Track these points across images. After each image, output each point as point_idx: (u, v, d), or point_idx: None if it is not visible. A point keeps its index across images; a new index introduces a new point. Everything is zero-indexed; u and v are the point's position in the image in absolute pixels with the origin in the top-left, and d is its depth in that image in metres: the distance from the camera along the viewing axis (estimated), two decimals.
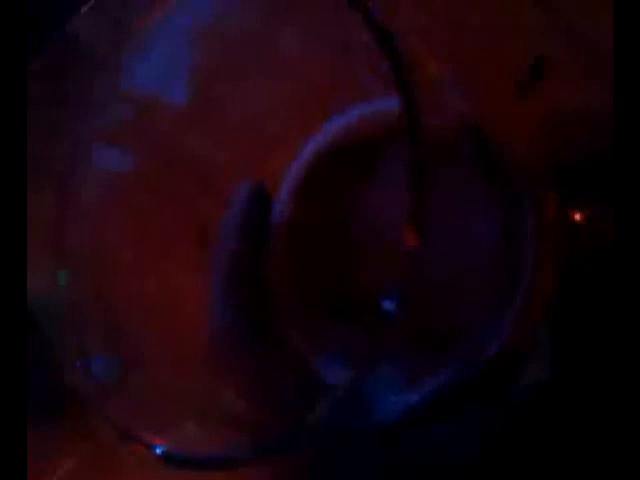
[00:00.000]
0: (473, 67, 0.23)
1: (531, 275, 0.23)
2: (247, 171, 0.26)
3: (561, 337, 0.24)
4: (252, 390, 0.24)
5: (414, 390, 0.22)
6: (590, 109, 0.23)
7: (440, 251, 0.21)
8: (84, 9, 0.35)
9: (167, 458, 0.19)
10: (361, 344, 0.19)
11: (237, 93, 0.25)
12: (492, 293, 0.22)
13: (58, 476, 0.29)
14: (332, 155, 0.26)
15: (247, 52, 0.25)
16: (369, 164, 0.25)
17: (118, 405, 0.21)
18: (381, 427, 0.22)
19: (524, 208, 0.23)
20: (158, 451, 0.19)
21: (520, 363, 0.24)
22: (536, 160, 0.24)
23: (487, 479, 0.25)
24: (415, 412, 0.22)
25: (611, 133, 0.19)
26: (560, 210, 0.24)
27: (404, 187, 0.19)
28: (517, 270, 0.23)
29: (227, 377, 0.24)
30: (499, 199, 0.22)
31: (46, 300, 0.28)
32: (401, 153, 0.24)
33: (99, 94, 0.25)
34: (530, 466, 0.24)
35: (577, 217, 0.24)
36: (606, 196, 0.19)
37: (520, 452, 0.25)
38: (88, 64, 0.32)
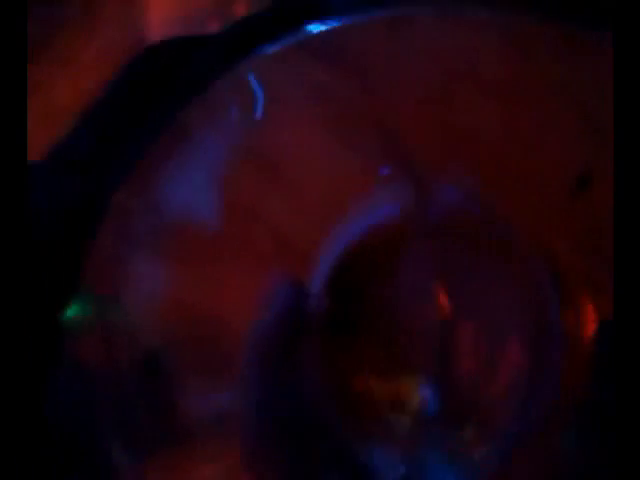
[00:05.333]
0: (520, 176, 0.25)
1: (562, 351, 0.24)
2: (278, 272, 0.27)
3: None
4: None
5: (464, 466, 0.23)
6: None
7: (473, 332, 0.21)
8: None
9: None
10: (408, 435, 0.20)
11: (264, 203, 0.27)
12: (526, 365, 0.23)
13: None
14: (357, 254, 0.27)
15: (271, 162, 0.26)
16: (392, 260, 0.26)
17: None
18: None
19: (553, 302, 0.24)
20: None
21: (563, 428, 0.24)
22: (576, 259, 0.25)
23: None
24: None
25: None
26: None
27: (429, 281, 0.20)
28: (547, 345, 0.24)
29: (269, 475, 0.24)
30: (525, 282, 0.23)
31: None
32: (422, 248, 0.25)
33: None
34: None
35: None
36: None
37: None
38: None
